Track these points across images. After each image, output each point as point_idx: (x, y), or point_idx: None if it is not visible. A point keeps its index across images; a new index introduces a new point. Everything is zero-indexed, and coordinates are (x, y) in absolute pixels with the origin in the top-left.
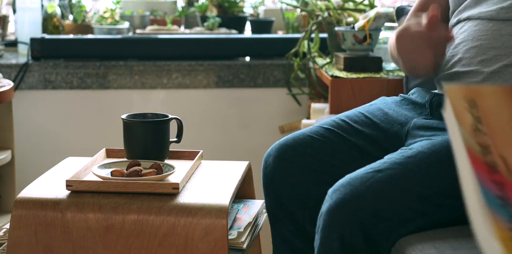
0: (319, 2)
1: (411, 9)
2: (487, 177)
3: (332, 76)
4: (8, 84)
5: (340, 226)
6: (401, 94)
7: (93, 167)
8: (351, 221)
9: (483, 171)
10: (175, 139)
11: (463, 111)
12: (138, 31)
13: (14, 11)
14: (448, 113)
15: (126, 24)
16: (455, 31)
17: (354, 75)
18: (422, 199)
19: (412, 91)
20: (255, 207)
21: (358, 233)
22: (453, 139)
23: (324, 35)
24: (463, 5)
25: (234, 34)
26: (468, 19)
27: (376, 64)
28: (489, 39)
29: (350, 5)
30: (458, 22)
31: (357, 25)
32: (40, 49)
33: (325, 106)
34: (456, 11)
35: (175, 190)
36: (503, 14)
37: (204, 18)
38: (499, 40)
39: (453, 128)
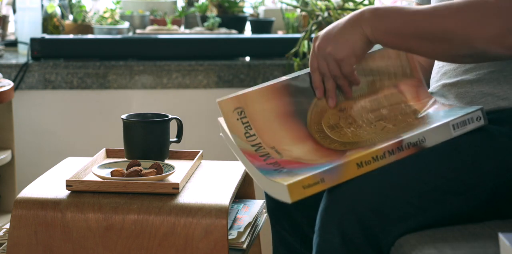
0: (319, 2)
1: None
2: (263, 164)
3: None
4: (8, 84)
5: (339, 222)
6: None
7: (93, 167)
8: (350, 217)
9: (260, 161)
10: (175, 139)
11: (235, 123)
12: (138, 31)
13: (14, 11)
14: (223, 128)
15: (126, 24)
16: None
17: None
18: (421, 195)
19: None
20: (255, 207)
21: (358, 229)
22: (232, 148)
23: None
24: None
25: (234, 34)
26: None
27: None
28: None
29: (350, 5)
30: None
31: None
32: (40, 49)
33: None
34: None
35: (175, 190)
36: None
37: (204, 18)
38: None
39: (229, 139)
